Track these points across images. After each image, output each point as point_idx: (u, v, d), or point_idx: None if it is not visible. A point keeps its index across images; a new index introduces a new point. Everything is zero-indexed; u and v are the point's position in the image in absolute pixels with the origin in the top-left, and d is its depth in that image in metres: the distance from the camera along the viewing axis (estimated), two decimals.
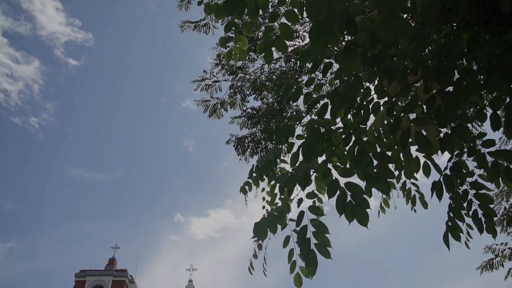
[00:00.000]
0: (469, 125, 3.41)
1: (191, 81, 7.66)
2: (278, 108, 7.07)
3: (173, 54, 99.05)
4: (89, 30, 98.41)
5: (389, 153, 2.96)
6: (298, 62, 6.88)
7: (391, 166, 2.97)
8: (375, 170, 2.90)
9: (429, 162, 3.09)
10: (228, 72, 7.63)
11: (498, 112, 2.85)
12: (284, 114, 6.94)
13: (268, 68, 7.66)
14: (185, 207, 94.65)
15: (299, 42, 7.22)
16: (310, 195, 2.86)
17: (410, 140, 2.81)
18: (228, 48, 3.23)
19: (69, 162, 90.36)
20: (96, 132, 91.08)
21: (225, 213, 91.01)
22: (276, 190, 3.27)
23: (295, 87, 3.26)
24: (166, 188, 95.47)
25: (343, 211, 2.82)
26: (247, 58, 7.48)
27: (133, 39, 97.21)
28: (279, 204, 2.91)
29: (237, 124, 7.60)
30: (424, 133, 2.77)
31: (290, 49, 7.15)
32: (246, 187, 3.36)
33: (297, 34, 7.15)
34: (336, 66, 3.29)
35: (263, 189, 3.54)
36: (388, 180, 2.91)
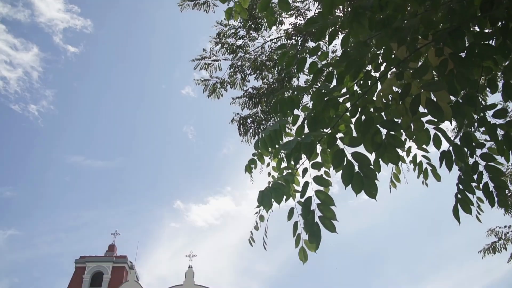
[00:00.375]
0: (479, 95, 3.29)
1: (190, 60, 7.51)
2: (279, 87, 6.93)
3: (172, 40, 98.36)
4: (88, 17, 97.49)
5: (398, 121, 2.83)
6: (300, 39, 6.73)
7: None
8: (383, 139, 2.78)
9: (439, 134, 2.97)
10: (228, 51, 7.47)
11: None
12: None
13: (269, 47, 7.51)
14: (184, 194, 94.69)
15: (301, 20, 7.06)
16: (316, 165, 2.74)
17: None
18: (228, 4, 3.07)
19: (69, 150, 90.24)
20: (95, 119, 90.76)
21: (225, 200, 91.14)
22: (282, 165, 3.14)
23: (299, 56, 3.13)
24: (165, 175, 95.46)
25: (350, 182, 2.71)
26: (247, 37, 7.33)
27: (132, 25, 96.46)
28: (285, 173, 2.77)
29: (238, 104, 7.48)
30: (435, 99, 2.65)
31: (290, 26, 6.99)
32: (252, 166, 3.23)
33: (299, 12, 7.00)
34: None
35: (268, 164, 3.41)
36: (398, 151, 2.80)
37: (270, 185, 2.65)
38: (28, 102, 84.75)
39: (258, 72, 7.59)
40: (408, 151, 3.79)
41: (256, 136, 7.51)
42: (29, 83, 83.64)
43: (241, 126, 7.35)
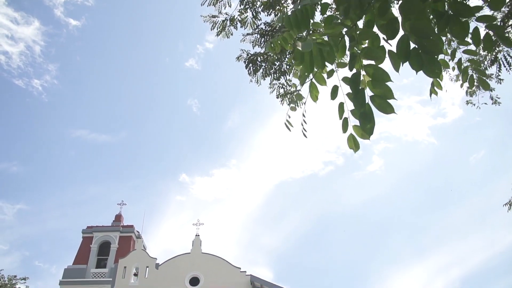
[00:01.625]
0: None
1: None
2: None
3: (175, 13, 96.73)
4: None
5: None
6: None
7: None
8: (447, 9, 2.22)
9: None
10: None
11: None
12: None
13: None
14: (190, 167, 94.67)
15: None
16: (363, 35, 2.18)
17: None
18: None
19: (73, 124, 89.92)
20: (99, 93, 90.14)
21: (230, 173, 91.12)
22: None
23: None
24: (170, 148, 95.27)
25: (406, 59, 2.16)
26: None
27: None
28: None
29: (249, 42, 6.91)
30: None
31: None
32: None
33: None
34: None
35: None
36: (465, 23, 2.24)
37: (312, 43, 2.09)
38: (31, 77, 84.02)
39: (271, 9, 6.99)
40: (453, 54, 3.23)
41: (267, 77, 6.96)
42: (31, 58, 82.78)
43: (250, 64, 6.78)
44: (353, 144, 2.15)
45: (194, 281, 25.05)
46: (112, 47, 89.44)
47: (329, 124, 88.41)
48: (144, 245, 27.04)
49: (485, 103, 8.84)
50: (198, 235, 26.70)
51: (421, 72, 2.13)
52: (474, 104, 8.81)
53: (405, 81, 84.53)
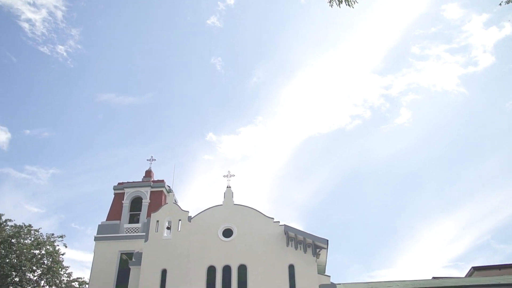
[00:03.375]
0: None
1: None
2: None
3: None
4: None
5: None
6: None
7: None
8: None
9: None
10: None
11: None
12: None
13: None
14: (216, 126, 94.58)
15: None
16: None
17: None
18: None
19: (99, 88, 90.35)
20: (123, 55, 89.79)
21: (257, 130, 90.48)
22: None
23: None
24: (196, 108, 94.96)
25: None
26: None
27: None
28: None
29: None
30: None
31: None
32: None
33: None
34: None
35: None
36: None
37: None
38: (55, 43, 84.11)
39: None
40: None
41: None
42: (54, 24, 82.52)
43: None
44: None
45: (227, 232, 24.76)
46: (132, 8, 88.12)
47: (356, 77, 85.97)
48: (175, 199, 26.79)
49: None
50: (230, 187, 26.22)
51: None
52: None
53: (433, 29, 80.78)
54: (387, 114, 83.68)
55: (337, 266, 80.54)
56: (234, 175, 26.33)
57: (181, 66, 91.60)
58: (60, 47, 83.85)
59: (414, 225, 77.03)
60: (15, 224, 36.19)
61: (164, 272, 24.01)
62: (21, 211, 68.45)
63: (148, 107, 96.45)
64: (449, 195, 75.30)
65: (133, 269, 24.91)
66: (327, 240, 23.06)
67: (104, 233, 28.43)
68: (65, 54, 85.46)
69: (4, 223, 35.80)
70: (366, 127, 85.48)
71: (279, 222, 24.47)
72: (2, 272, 33.93)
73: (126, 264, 26.37)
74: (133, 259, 25.22)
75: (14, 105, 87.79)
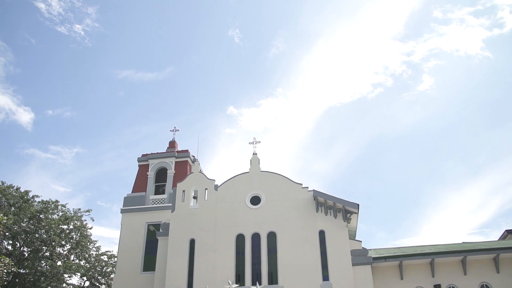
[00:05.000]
0: None
1: None
2: None
3: None
4: None
5: None
6: None
7: None
8: None
9: None
10: None
11: None
12: None
13: None
14: (236, 100, 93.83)
15: None
16: None
17: None
18: None
19: (119, 65, 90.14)
20: (140, 31, 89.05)
21: (277, 102, 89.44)
22: None
23: None
24: (215, 82, 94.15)
25: None
26: None
27: None
28: None
29: None
30: None
31: None
32: None
33: None
34: None
35: None
36: None
37: None
38: (72, 23, 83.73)
39: None
40: None
41: None
42: (70, 3, 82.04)
43: None
44: None
45: (255, 200, 24.27)
46: None
47: (376, 45, 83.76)
48: (201, 169, 26.34)
49: None
50: (256, 154, 25.61)
51: None
52: None
53: None
54: (409, 81, 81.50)
55: (362, 235, 80.00)
56: (259, 142, 25.71)
57: (199, 40, 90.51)
58: (77, 26, 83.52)
59: (439, 192, 75.78)
60: (42, 200, 36.46)
61: (192, 242, 23.78)
62: (48, 190, 69.46)
63: (168, 82, 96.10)
64: (475, 161, 73.52)
65: (160, 240, 24.75)
66: (358, 205, 22.40)
67: (130, 205, 28.27)
68: (82, 33, 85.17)
69: (32, 199, 36.08)
70: (388, 95, 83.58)
71: (307, 187, 23.85)
72: (33, 247, 34.35)
73: (153, 236, 26.23)
74: (160, 230, 25.03)
75: (35, 87, 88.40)
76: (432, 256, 22.15)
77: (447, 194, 74.85)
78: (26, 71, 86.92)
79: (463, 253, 22.02)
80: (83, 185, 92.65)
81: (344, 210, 22.80)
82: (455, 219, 76.92)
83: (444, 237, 75.63)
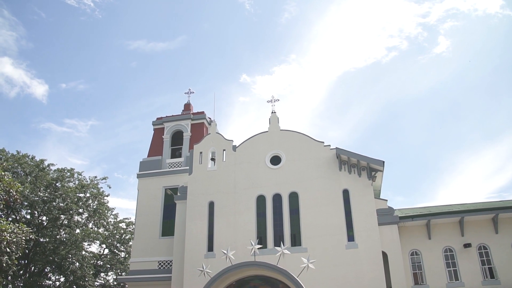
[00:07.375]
0: None
1: None
2: None
3: None
4: None
5: None
6: None
7: None
8: None
9: None
10: None
11: None
12: None
13: None
14: (249, 67, 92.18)
15: None
16: None
17: None
18: None
19: (130, 36, 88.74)
20: (149, 1, 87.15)
21: (291, 68, 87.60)
22: None
23: None
24: (227, 50, 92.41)
25: None
26: None
27: None
28: None
29: None
30: None
31: None
32: None
33: None
34: None
35: None
36: None
37: None
38: None
39: None
40: None
41: None
42: None
43: None
44: None
45: (275, 160, 23.35)
46: None
47: (390, 7, 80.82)
48: (217, 130, 25.38)
49: None
50: (275, 112, 24.53)
51: None
52: None
53: None
54: (424, 44, 78.69)
55: None
56: (278, 100, 24.55)
57: (210, 8, 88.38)
58: None
59: (455, 157, 74.16)
60: (58, 168, 36.06)
61: (211, 205, 23.08)
62: (66, 164, 69.32)
63: (180, 51, 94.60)
64: (492, 125, 71.28)
65: (178, 204, 24.10)
66: (383, 162, 21.35)
67: (146, 169, 27.56)
68: (92, 4, 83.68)
69: (47, 168, 35.69)
70: (403, 59, 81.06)
71: (330, 145, 22.81)
72: (51, 216, 34.13)
73: (171, 200, 25.55)
74: (178, 194, 24.35)
75: (48, 61, 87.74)
76: (461, 214, 21.13)
77: (463, 158, 73.25)
78: (37, 45, 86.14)
79: (495, 211, 20.94)
80: (100, 157, 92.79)
81: (369, 168, 21.77)
82: (472, 183, 75.48)
83: (461, 202, 74.28)
